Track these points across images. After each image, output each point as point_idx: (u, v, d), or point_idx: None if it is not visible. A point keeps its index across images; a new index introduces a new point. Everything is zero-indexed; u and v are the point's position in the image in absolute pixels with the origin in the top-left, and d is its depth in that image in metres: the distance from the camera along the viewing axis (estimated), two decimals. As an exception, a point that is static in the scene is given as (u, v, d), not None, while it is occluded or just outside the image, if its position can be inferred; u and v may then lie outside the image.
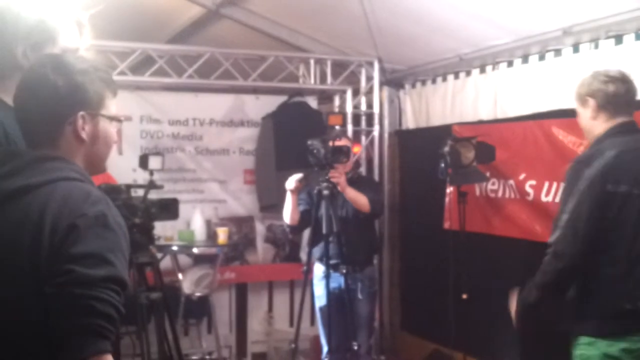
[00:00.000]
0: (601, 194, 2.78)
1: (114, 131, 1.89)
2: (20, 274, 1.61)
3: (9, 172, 1.69)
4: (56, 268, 1.58)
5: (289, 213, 4.92)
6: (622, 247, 2.76)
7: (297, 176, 4.80)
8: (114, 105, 1.88)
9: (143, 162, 4.55)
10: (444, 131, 5.58)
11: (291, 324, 6.47)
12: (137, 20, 6.54)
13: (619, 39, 4.37)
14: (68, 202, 1.64)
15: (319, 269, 4.94)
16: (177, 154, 6.23)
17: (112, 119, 1.87)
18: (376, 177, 6.56)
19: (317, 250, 4.85)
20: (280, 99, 6.46)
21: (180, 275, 5.75)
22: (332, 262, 4.67)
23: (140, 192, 4.22)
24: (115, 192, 4.09)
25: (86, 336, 1.57)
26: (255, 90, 6.59)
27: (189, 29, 6.63)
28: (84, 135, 1.78)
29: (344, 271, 4.67)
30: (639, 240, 2.76)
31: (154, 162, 4.51)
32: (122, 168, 5.63)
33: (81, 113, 1.77)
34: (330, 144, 4.67)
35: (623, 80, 2.97)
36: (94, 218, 1.63)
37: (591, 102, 2.97)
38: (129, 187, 4.20)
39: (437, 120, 6.14)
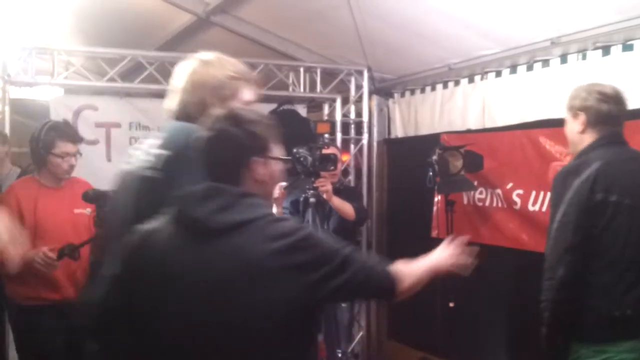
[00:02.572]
0: (590, 202, 2.80)
1: (279, 170, 2.17)
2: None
3: (223, 207, 1.96)
4: (320, 276, 1.96)
5: None
6: (612, 255, 2.78)
7: (280, 184, 4.79)
8: (279, 148, 2.17)
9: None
10: (433, 140, 5.60)
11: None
12: (127, 27, 6.54)
13: (606, 50, 4.40)
14: (285, 236, 1.96)
15: None
16: (166, 160, 6.21)
17: (278, 160, 2.15)
18: (365, 185, 6.57)
19: None
20: (270, 107, 6.45)
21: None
22: None
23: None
24: (103, 198, 4.07)
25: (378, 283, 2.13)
26: (244, 98, 6.59)
27: (179, 36, 6.62)
28: (258, 177, 2.07)
29: None
30: (629, 249, 2.78)
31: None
32: (111, 174, 5.57)
33: (256, 158, 2.07)
34: (318, 152, 4.67)
35: (617, 101, 2.98)
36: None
37: (582, 116, 2.98)
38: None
39: (425, 129, 6.16)
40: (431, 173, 4.80)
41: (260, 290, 1.90)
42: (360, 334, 6.59)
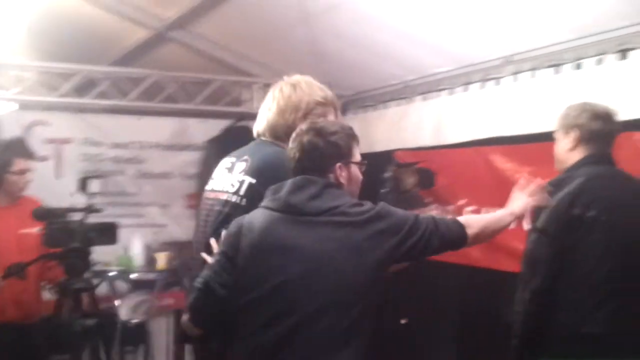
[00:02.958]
0: (567, 217, 2.82)
1: (359, 172, 2.56)
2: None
3: (314, 195, 2.35)
4: (400, 241, 2.38)
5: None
6: (584, 270, 2.78)
7: None
8: (358, 153, 2.56)
9: (82, 185, 4.45)
10: (387, 157, 5.61)
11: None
12: (81, 42, 6.45)
13: (557, 69, 4.47)
14: (367, 216, 2.37)
15: None
16: (118, 177, 6.16)
17: (359, 164, 2.55)
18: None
19: None
20: (225, 123, 6.43)
21: (117, 302, 5.62)
22: None
23: (78, 216, 4.12)
24: (53, 215, 4.00)
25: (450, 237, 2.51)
26: (199, 114, 6.55)
27: (135, 51, 6.55)
28: (342, 180, 2.45)
29: None
30: (603, 266, 2.79)
31: (93, 186, 4.42)
32: (61, 191, 5.51)
33: (338, 164, 2.44)
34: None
35: (608, 119, 3.02)
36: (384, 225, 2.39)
37: (574, 134, 3.00)
38: (66, 210, 4.11)
39: (380, 146, 6.16)
40: (385, 190, 4.80)
41: (353, 255, 2.30)
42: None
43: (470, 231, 2.51)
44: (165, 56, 6.55)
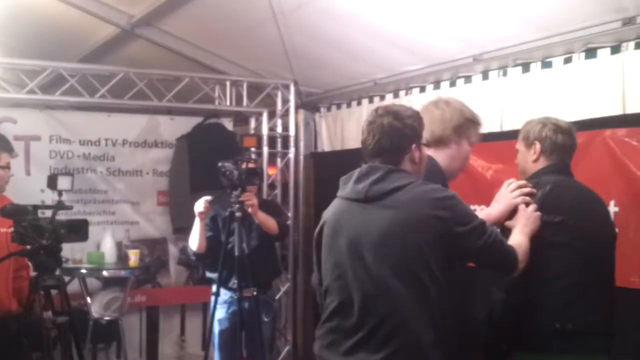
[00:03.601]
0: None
1: (426, 154, 2.77)
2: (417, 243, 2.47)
3: (378, 179, 2.55)
4: (462, 231, 2.49)
5: (196, 239, 4.79)
6: (555, 271, 2.84)
7: (205, 198, 4.75)
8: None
9: (51, 182, 4.41)
10: (359, 154, 5.62)
11: (204, 347, 6.37)
12: (48, 39, 6.40)
13: (526, 67, 4.53)
14: (433, 192, 2.54)
15: (221, 293, 4.85)
16: (88, 174, 6.10)
17: (427, 146, 2.79)
18: (291, 199, 6.57)
19: (220, 273, 4.76)
20: (196, 120, 6.41)
21: (88, 299, 5.59)
22: (235, 285, 4.67)
23: (48, 214, 4.09)
24: (22, 213, 3.96)
25: (507, 256, 2.61)
26: (170, 111, 6.53)
27: (102, 48, 6.52)
28: (417, 160, 2.65)
29: (254, 293, 4.68)
30: (573, 264, 2.85)
31: (63, 183, 4.37)
32: (30, 189, 5.47)
33: (414, 145, 2.63)
34: (244, 165, 4.65)
35: (570, 134, 3.09)
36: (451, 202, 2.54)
37: (537, 146, 3.07)
38: (36, 207, 4.07)
39: (352, 143, 6.20)
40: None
41: (415, 235, 2.46)
42: (287, 348, 6.58)
43: (519, 265, 2.65)
44: (134, 53, 6.52)
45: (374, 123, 2.67)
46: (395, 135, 2.61)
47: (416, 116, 2.70)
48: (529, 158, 3.11)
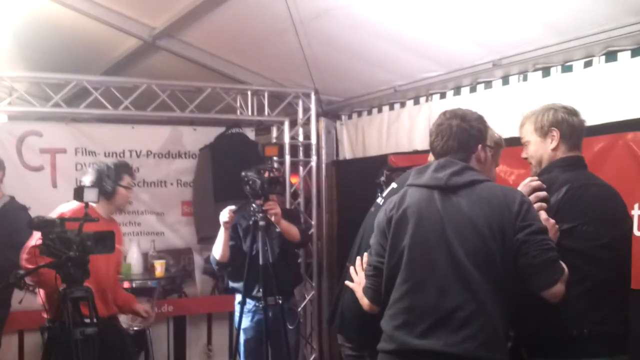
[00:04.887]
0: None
1: (490, 155, 3.02)
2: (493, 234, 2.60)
3: (456, 172, 2.73)
4: (523, 224, 2.59)
5: (220, 248, 4.84)
6: (570, 276, 2.80)
7: (230, 207, 4.79)
8: (489, 138, 3.00)
9: (78, 194, 4.46)
10: (380, 161, 5.66)
11: (231, 356, 6.40)
12: (72, 52, 6.49)
13: (546, 72, 4.53)
14: (510, 190, 2.74)
15: (246, 302, 4.88)
16: (113, 186, 6.15)
17: (491, 147, 3.03)
18: (314, 207, 6.60)
19: (244, 282, 4.79)
20: (218, 130, 6.46)
21: (116, 310, 5.63)
22: (259, 293, 4.69)
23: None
24: (49, 225, 4.01)
25: (552, 266, 2.60)
26: (192, 122, 6.58)
27: (125, 60, 6.59)
28: (482, 159, 2.88)
29: (279, 301, 4.70)
30: (589, 271, 2.81)
31: (89, 194, 4.43)
32: (57, 201, 5.51)
33: (480, 145, 2.85)
34: (266, 174, 4.68)
35: (579, 115, 3.04)
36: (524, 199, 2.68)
37: (555, 132, 2.98)
38: (63, 220, 4.12)
39: (373, 151, 6.22)
40: (380, 194, 4.83)
41: (492, 222, 2.60)
42: (313, 356, 6.60)
43: (561, 286, 2.63)
44: (156, 65, 6.59)
45: (442, 125, 2.86)
46: (463, 136, 2.81)
47: (481, 119, 2.89)
48: (548, 147, 3.00)
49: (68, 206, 4.42)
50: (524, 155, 3.15)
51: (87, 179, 4.53)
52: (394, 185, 3.53)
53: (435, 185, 2.74)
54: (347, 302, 3.49)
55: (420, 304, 2.64)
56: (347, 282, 3.30)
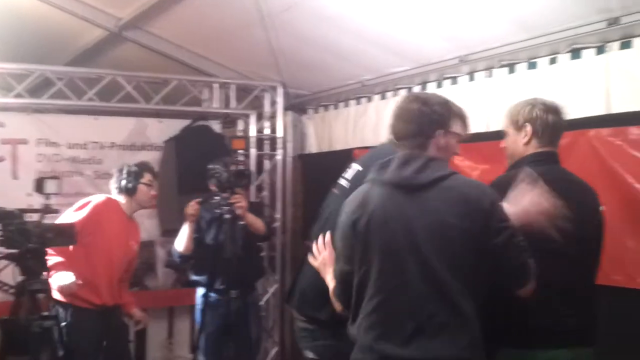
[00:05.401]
0: None
1: (455, 143, 2.80)
2: (464, 233, 2.50)
3: (421, 168, 2.58)
4: (499, 226, 2.51)
5: (184, 241, 4.82)
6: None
7: (196, 200, 4.76)
8: (457, 125, 2.81)
9: (38, 185, 4.41)
10: (346, 155, 5.65)
11: (192, 350, 6.36)
12: (35, 42, 6.38)
13: (511, 68, 4.56)
14: (479, 187, 2.61)
15: (208, 295, 4.85)
16: (75, 178, 6.07)
17: (455, 135, 2.78)
18: (279, 200, 6.58)
19: (207, 276, 4.77)
20: (184, 123, 6.40)
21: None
22: (222, 287, 4.67)
23: (35, 217, 4.09)
24: (8, 217, 3.95)
25: (527, 266, 2.55)
26: (157, 114, 6.51)
27: (90, 51, 6.50)
28: (442, 145, 2.69)
29: (243, 295, 4.70)
30: (555, 268, 2.81)
31: (50, 186, 4.38)
32: (17, 192, 5.45)
33: (440, 131, 2.67)
34: (233, 167, 4.66)
35: (559, 114, 3.05)
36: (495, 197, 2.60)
37: (529, 127, 3.02)
38: (23, 211, 4.06)
39: (339, 145, 6.22)
40: (343, 176, 4.81)
41: (465, 222, 2.49)
42: (275, 349, 6.58)
43: (530, 286, 2.60)
44: (122, 56, 6.51)
45: (402, 108, 2.74)
46: (423, 120, 2.66)
47: (445, 104, 2.74)
48: (520, 141, 3.05)
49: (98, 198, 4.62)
50: (502, 144, 3.18)
51: (112, 180, 4.74)
52: (358, 167, 3.33)
53: (400, 184, 2.61)
54: (309, 280, 3.40)
55: (396, 313, 2.56)
56: (310, 259, 3.19)
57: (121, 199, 4.64)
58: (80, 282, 4.16)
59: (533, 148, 3.02)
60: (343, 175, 3.39)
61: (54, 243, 4.00)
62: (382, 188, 2.65)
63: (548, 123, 3.01)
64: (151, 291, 6.29)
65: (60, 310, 4.32)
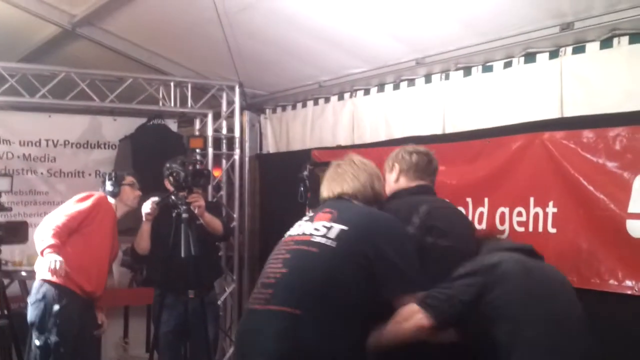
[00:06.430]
0: (421, 245, 2.95)
1: None
2: None
3: None
4: None
5: (141, 240, 4.79)
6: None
7: (153, 199, 4.72)
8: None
9: (-9, 183, 4.34)
10: (304, 156, 5.66)
11: (148, 350, 6.31)
12: (-13, 38, 6.27)
13: (467, 71, 4.61)
14: None
15: (165, 294, 4.82)
16: (29, 175, 5.99)
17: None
18: (237, 200, 6.56)
19: (164, 275, 4.75)
20: (139, 121, 6.35)
21: (29, 302, 5.48)
22: (179, 286, 4.64)
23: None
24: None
25: None
26: (112, 112, 6.45)
27: (43, 47, 6.41)
28: None
29: (200, 295, 4.67)
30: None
31: (2, 184, 4.31)
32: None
33: None
34: (191, 167, 4.63)
35: (425, 155, 3.36)
36: None
37: (396, 166, 3.33)
38: (-26, 209, 4.00)
39: (297, 145, 6.23)
40: (302, 188, 4.83)
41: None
42: (232, 349, 6.56)
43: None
44: (76, 53, 6.44)
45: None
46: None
47: None
48: (391, 180, 3.36)
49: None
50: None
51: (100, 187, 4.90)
52: None
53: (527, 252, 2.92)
54: None
55: None
56: None
57: (112, 201, 4.78)
58: (68, 269, 4.22)
59: (402, 184, 3.32)
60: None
61: (5, 241, 3.95)
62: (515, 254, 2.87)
63: (411, 162, 3.33)
64: (107, 290, 6.18)
65: (52, 292, 4.33)
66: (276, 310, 2.61)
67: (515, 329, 2.57)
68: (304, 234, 2.82)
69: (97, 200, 4.63)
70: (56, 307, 4.26)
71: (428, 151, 3.39)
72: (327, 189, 3.08)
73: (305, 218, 2.99)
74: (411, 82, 5.03)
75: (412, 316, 2.66)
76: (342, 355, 2.58)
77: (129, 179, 4.83)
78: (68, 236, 4.37)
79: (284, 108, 6.51)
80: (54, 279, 4.21)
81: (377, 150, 5.19)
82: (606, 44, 3.77)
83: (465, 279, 2.69)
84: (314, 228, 2.81)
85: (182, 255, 4.52)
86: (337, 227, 2.75)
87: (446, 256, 2.95)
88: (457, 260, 2.87)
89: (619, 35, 3.69)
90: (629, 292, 3.56)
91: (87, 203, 4.59)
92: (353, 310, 2.62)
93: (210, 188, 6.43)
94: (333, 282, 2.62)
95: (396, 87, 5.16)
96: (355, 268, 2.65)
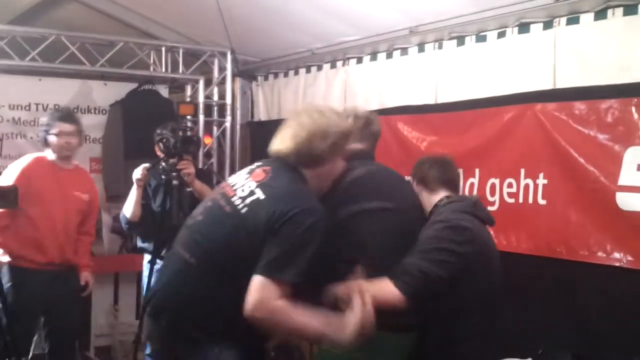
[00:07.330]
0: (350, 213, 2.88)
1: None
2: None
3: None
4: None
5: (131, 207, 4.73)
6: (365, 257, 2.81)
7: (144, 165, 4.69)
8: None
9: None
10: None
11: (138, 316, 6.32)
12: (-25, -1, 6.19)
13: (461, 40, 4.59)
14: None
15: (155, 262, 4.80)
16: (18, 140, 5.94)
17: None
18: (227, 168, 6.55)
19: (154, 243, 4.73)
20: (130, 86, 6.30)
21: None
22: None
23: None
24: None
25: None
26: (103, 77, 6.39)
27: (34, 10, 6.32)
28: None
29: None
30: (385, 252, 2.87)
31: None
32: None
33: None
34: (180, 133, 4.60)
35: (364, 118, 3.19)
36: None
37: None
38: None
39: (288, 113, 6.14)
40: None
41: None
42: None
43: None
44: (67, 16, 6.36)
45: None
46: None
47: None
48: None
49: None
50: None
51: None
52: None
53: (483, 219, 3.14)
54: None
55: None
56: None
57: (48, 152, 4.59)
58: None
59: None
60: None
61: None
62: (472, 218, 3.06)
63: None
64: (97, 257, 6.20)
65: (3, 272, 4.29)
66: (178, 254, 2.78)
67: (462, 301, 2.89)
68: (233, 188, 2.81)
69: (21, 170, 4.46)
70: (7, 286, 4.23)
71: (368, 114, 3.25)
72: (272, 143, 2.92)
73: (250, 168, 2.93)
74: (404, 51, 5.01)
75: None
76: (216, 310, 2.64)
77: (57, 127, 4.53)
78: (10, 218, 4.30)
79: (275, 75, 6.47)
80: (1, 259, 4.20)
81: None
82: (600, 15, 3.76)
83: (443, 254, 2.81)
84: (242, 185, 2.78)
85: (172, 222, 4.51)
86: (256, 195, 2.69)
87: (384, 218, 2.89)
88: (401, 222, 2.91)
89: (614, 7, 3.68)
90: (617, 264, 3.59)
91: (12, 177, 4.38)
92: (240, 275, 2.56)
93: (201, 155, 6.42)
94: (229, 245, 2.65)
95: (389, 55, 5.13)
96: (250, 239, 2.60)
